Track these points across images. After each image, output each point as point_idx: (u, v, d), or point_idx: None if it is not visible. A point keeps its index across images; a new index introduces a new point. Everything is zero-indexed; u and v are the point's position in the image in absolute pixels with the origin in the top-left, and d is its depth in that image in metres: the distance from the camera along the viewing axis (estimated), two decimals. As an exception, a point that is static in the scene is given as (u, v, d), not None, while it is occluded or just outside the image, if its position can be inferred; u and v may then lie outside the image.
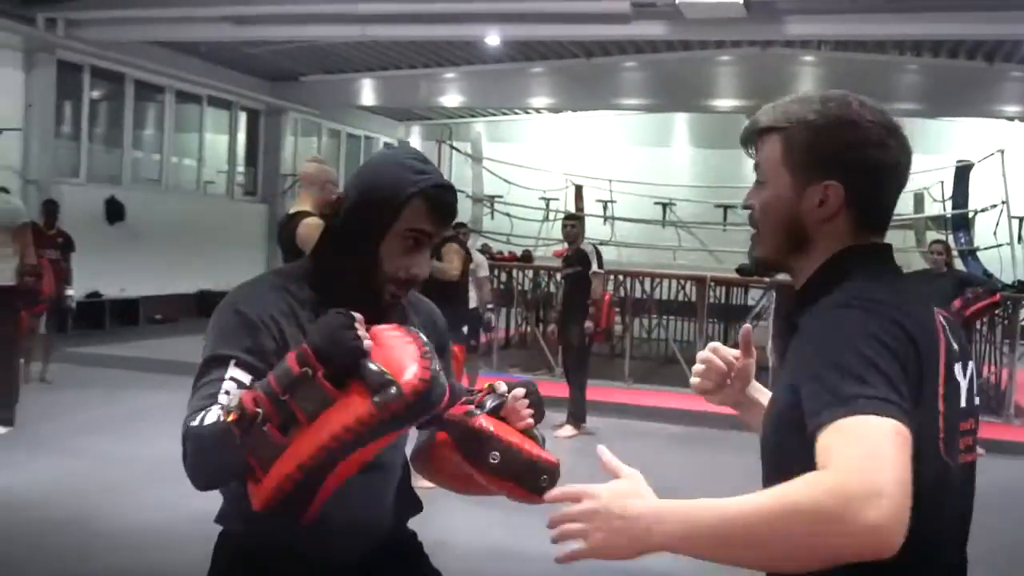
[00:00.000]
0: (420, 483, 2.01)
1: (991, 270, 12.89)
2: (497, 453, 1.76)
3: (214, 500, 1.84)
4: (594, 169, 17.02)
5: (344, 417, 1.50)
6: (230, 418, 1.52)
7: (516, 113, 19.25)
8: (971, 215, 15.25)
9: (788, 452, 1.33)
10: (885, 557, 1.09)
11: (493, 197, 17.76)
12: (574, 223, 8.43)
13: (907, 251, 15.08)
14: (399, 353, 1.55)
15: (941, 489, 1.29)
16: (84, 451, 6.66)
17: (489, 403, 1.84)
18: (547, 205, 17.08)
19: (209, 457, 1.58)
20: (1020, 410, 9.20)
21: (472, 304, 7.90)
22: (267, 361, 1.68)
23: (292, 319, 1.76)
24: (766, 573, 1.28)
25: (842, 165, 1.38)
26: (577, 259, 8.08)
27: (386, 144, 17.85)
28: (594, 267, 8.00)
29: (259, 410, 1.51)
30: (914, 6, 9.93)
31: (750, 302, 12.36)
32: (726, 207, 15.85)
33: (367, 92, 16.22)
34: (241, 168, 16.47)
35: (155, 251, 12.93)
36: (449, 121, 19.48)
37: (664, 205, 17.32)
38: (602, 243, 11.40)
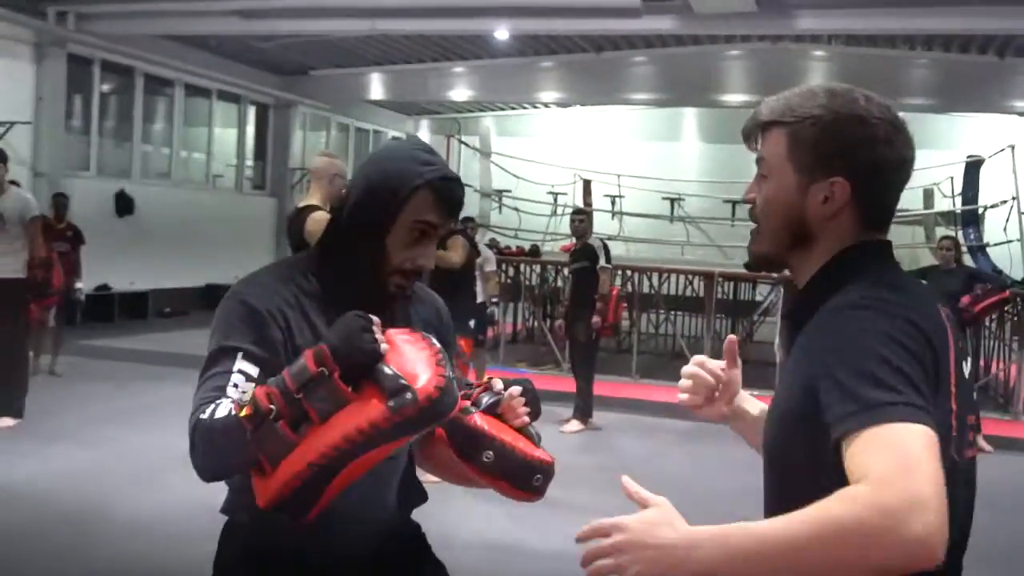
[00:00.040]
0: (427, 477, 2.02)
1: (1000, 266, 12.86)
2: (491, 452, 1.76)
3: (223, 491, 1.85)
4: (603, 164, 17.00)
5: (358, 419, 1.50)
6: (243, 413, 1.53)
7: (525, 107, 19.23)
8: (981, 211, 15.19)
9: (795, 452, 1.32)
10: (932, 567, 1.08)
11: (501, 191, 17.76)
12: (582, 218, 8.42)
13: (916, 247, 15.04)
14: (414, 358, 1.56)
15: (951, 486, 1.29)
16: (93, 443, 6.68)
17: (485, 401, 1.84)
18: (555, 200, 17.06)
19: (219, 450, 1.59)
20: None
21: (479, 298, 7.90)
22: (274, 352, 1.69)
23: (298, 310, 1.76)
24: None
25: (849, 162, 1.36)
26: (585, 254, 8.07)
27: (394, 137, 17.85)
28: (602, 262, 7.99)
29: (272, 406, 1.52)
30: (925, 0, 9.89)
31: (758, 298, 12.35)
32: (735, 202, 15.80)
33: (376, 86, 16.23)
34: (250, 162, 16.50)
35: (164, 244, 12.97)
36: (458, 115, 19.48)
37: (672, 200, 17.29)
38: (610, 238, 11.39)
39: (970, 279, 8.19)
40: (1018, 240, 13.63)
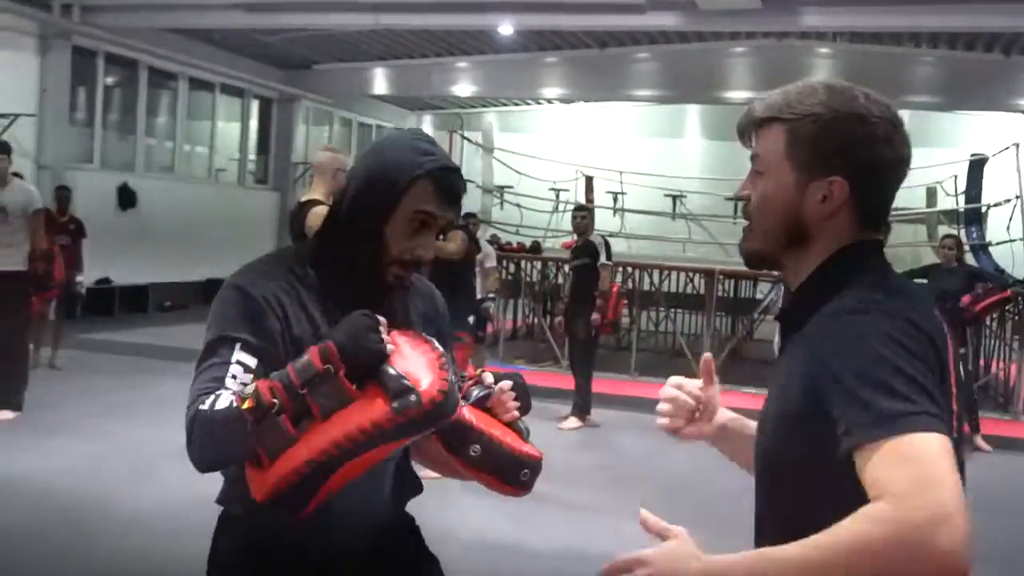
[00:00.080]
0: (427, 473, 2.01)
1: (1003, 265, 12.84)
2: (478, 446, 1.76)
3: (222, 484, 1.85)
4: (605, 160, 16.99)
5: (360, 418, 1.51)
6: (245, 405, 1.53)
7: (528, 103, 19.21)
8: (984, 210, 15.18)
9: (791, 452, 1.31)
10: None
11: (503, 188, 17.76)
12: (584, 214, 8.42)
13: (918, 245, 15.03)
14: (418, 361, 1.58)
15: None
16: (92, 436, 6.69)
17: (475, 394, 1.84)
18: (557, 196, 17.06)
19: (218, 442, 1.59)
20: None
21: (479, 295, 7.90)
22: (272, 343, 1.69)
23: (296, 300, 1.76)
24: None
25: (848, 161, 1.34)
26: (586, 250, 8.07)
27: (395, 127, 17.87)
28: (603, 259, 7.98)
29: (275, 400, 1.52)
30: (930, -3, 9.89)
31: (759, 296, 12.34)
32: (737, 200, 15.75)
33: (379, 81, 16.22)
34: (253, 156, 16.51)
35: (166, 238, 12.97)
36: (461, 111, 19.47)
37: (674, 197, 17.28)
38: (612, 235, 11.39)
39: (971, 278, 8.18)
40: (1021, 239, 13.65)
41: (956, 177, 15.81)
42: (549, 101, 18.40)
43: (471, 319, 7.05)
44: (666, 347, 12.18)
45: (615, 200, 17.14)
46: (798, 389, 1.29)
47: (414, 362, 1.57)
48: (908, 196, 14.44)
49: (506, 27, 12.32)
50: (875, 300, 1.27)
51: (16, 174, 7.29)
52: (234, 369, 1.64)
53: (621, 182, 16.89)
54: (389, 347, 1.57)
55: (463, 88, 16.10)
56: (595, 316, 7.86)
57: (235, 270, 1.82)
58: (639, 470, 6.88)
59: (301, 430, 1.53)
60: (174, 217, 13.28)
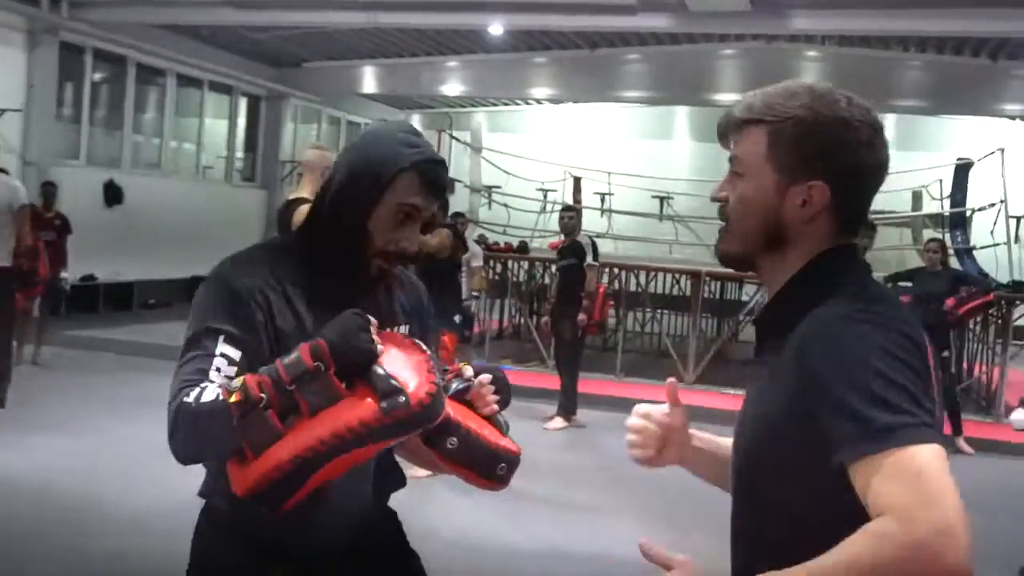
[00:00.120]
0: (415, 472, 2.01)
1: (987, 269, 12.90)
2: (455, 439, 1.75)
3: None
4: (593, 161, 17.00)
5: (348, 417, 1.52)
6: (232, 399, 1.54)
7: (517, 104, 19.21)
8: (969, 214, 15.26)
9: (772, 456, 1.31)
10: None
11: (491, 187, 17.75)
12: (571, 215, 8.43)
13: (903, 249, 15.09)
14: (407, 363, 1.59)
15: None
16: (75, 433, 6.66)
17: (454, 387, 1.83)
18: (545, 196, 17.07)
19: (203, 435, 1.59)
20: (1011, 410, 9.21)
21: (465, 294, 7.90)
22: (256, 335, 1.69)
23: (280, 293, 1.75)
24: None
25: (830, 165, 1.33)
26: (572, 251, 8.08)
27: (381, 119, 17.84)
28: (589, 259, 7.99)
29: (263, 395, 1.53)
30: (919, 1, 9.92)
31: (744, 297, 12.37)
32: (714, 201, 15.75)
33: (369, 80, 16.20)
34: (240, 154, 16.45)
35: (152, 235, 12.91)
36: (450, 110, 19.45)
37: (662, 199, 17.31)
38: (599, 236, 11.40)
39: (955, 281, 8.23)
40: (1005, 243, 13.73)
41: (942, 181, 15.90)
42: (538, 101, 18.40)
43: (457, 319, 7.05)
44: (652, 348, 12.20)
45: (603, 201, 17.16)
46: (784, 393, 1.28)
47: (403, 364, 1.58)
48: (894, 199, 14.51)
49: (496, 27, 12.32)
50: (864, 309, 1.26)
51: (2, 170, 7.25)
52: (218, 362, 1.64)
53: (609, 183, 16.91)
54: (379, 348, 1.57)
55: (452, 87, 16.09)
56: (581, 317, 7.87)
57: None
58: (624, 470, 6.85)
59: (287, 426, 1.53)
60: (160, 214, 13.22)
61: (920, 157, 15.07)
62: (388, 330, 1.77)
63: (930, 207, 16.30)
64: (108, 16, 11.89)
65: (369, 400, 1.52)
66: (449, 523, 5.15)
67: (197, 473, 1.82)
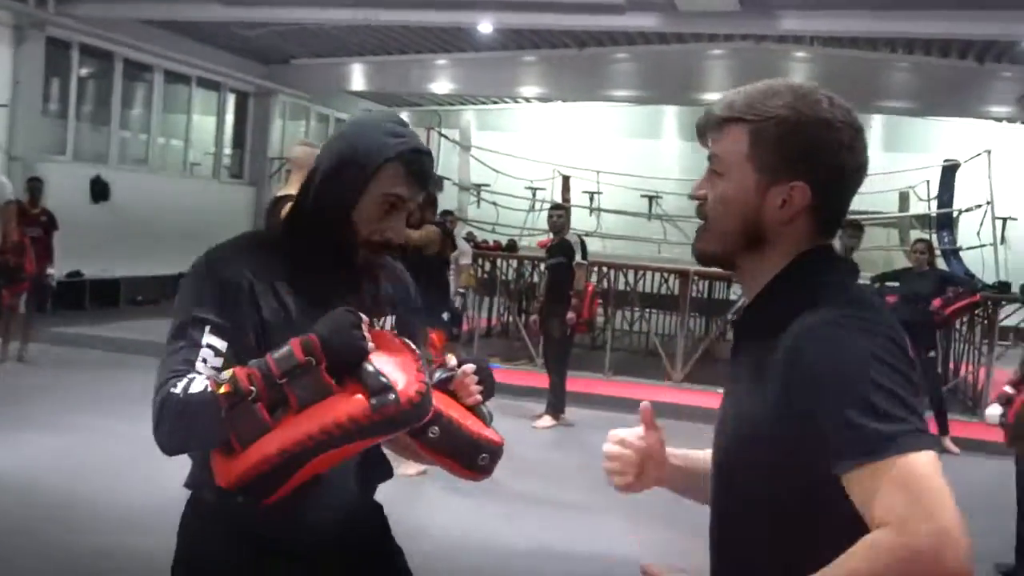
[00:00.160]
0: (406, 470, 2.01)
1: (973, 270, 12.98)
2: (437, 428, 1.74)
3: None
4: (582, 160, 17.02)
5: (337, 413, 1.52)
6: (221, 390, 1.53)
7: (506, 102, 19.21)
8: (956, 215, 15.34)
9: (757, 462, 1.30)
10: None
11: (480, 186, 17.75)
12: (560, 213, 8.44)
13: (890, 249, 15.16)
14: (397, 361, 1.59)
15: None
16: (62, 430, 6.63)
17: (437, 376, 1.83)
18: (534, 195, 17.08)
19: (190, 426, 1.59)
20: (996, 409, 9.26)
21: (453, 292, 7.90)
22: (242, 325, 1.69)
23: (266, 283, 1.75)
24: None
25: (812, 166, 1.32)
26: (561, 249, 8.09)
27: (365, 110, 17.82)
28: (578, 258, 8.00)
29: (252, 388, 1.53)
30: (907, 3, 9.96)
31: (732, 297, 12.40)
32: (692, 199, 15.79)
33: (357, 77, 16.17)
34: (228, 150, 16.39)
35: (139, 232, 12.85)
36: (439, 108, 19.43)
37: (651, 198, 17.34)
38: (587, 234, 11.41)
39: (942, 282, 8.27)
40: (991, 244, 13.81)
41: (929, 182, 15.98)
42: (527, 100, 18.41)
43: (445, 316, 7.05)
44: (640, 347, 12.21)
45: (591, 200, 17.18)
46: (772, 394, 1.27)
47: (393, 362, 1.59)
48: (881, 200, 14.57)
49: (485, 25, 12.31)
50: (852, 314, 1.25)
51: (-13, 165, 7.22)
52: (204, 352, 1.64)
53: (598, 182, 16.93)
54: (370, 345, 1.58)
55: (441, 85, 16.07)
56: (570, 315, 7.88)
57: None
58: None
59: (276, 420, 1.53)
60: (147, 210, 13.15)
61: (907, 158, 15.15)
62: (377, 327, 1.77)
63: (917, 208, 16.38)
64: (95, 11, 11.83)
65: (359, 397, 1.53)
66: (438, 521, 5.14)
67: (185, 469, 1.81)
